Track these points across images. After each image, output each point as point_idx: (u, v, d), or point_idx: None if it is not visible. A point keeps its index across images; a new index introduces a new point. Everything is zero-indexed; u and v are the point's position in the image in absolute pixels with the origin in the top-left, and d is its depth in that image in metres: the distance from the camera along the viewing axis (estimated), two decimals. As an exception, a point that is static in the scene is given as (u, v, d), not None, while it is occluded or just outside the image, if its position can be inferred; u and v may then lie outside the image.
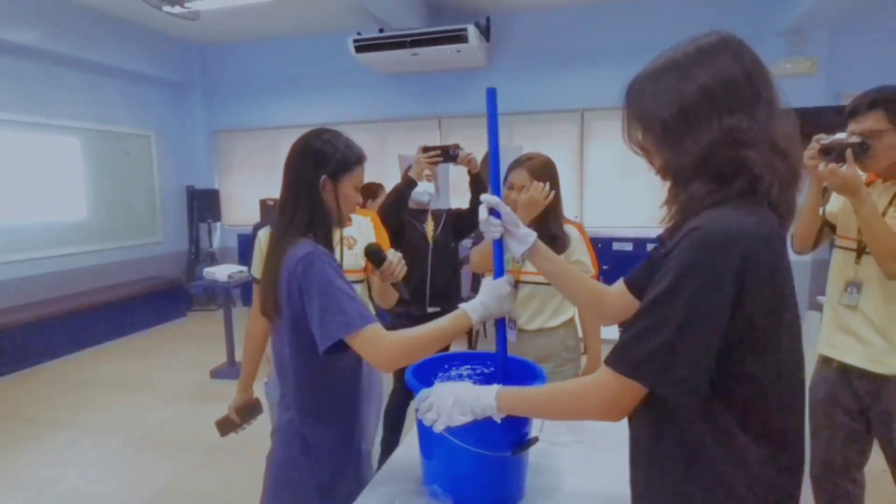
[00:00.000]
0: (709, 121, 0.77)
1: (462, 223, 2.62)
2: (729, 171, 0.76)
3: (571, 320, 1.96)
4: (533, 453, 1.23)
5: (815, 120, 4.55)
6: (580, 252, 1.87)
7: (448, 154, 2.29)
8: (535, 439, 1.09)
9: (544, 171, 1.83)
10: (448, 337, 1.14)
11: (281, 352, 1.26)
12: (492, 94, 1.14)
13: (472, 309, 1.13)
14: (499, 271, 1.16)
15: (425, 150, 2.33)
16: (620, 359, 0.77)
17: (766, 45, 4.70)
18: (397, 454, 1.37)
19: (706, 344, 0.73)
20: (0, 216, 4.66)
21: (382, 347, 1.09)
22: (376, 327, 1.11)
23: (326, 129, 1.28)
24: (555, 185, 1.83)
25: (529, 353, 1.78)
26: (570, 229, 1.88)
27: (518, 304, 1.88)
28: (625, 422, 0.95)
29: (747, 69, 0.78)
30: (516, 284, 1.88)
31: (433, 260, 2.53)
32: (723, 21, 4.82)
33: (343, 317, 1.09)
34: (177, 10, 4.33)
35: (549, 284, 1.74)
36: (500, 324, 1.17)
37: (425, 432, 1.10)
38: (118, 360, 4.73)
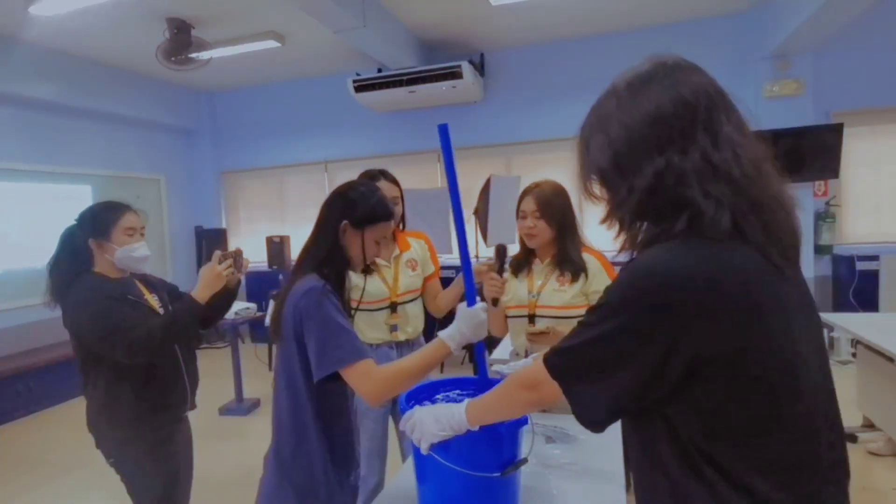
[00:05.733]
0: (639, 165, 0.73)
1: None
2: (670, 210, 0.72)
3: None
4: (525, 476, 1.27)
5: (808, 138, 4.67)
6: (600, 282, 1.76)
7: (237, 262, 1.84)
8: (524, 461, 1.13)
9: (552, 200, 1.80)
10: (429, 367, 1.22)
11: (281, 377, 1.28)
12: (444, 130, 1.18)
13: (449, 337, 1.20)
14: (471, 299, 1.22)
15: (224, 258, 1.80)
16: (552, 353, 0.81)
17: (753, 70, 4.83)
18: (394, 481, 1.41)
19: (611, 382, 0.71)
20: (14, 262, 4.81)
21: (372, 381, 1.17)
22: (369, 362, 1.18)
23: (367, 182, 1.42)
24: (566, 211, 1.81)
25: None
26: (589, 259, 1.80)
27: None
28: (619, 445, 1.00)
29: (681, 98, 0.72)
30: (533, 319, 1.84)
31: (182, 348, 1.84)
32: (709, 48, 4.99)
33: (339, 351, 1.16)
34: (194, 55, 4.56)
35: (566, 318, 1.75)
36: (479, 348, 1.24)
37: (419, 458, 1.14)
38: (129, 400, 4.77)
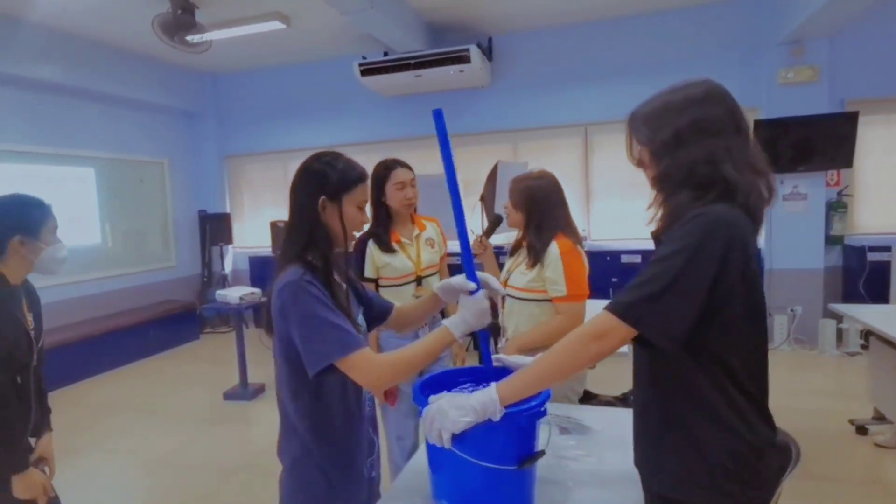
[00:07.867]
0: (695, 144, 0.98)
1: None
2: (707, 182, 0.97)
3: None
4: (541, 467, 1.24)
5: (821, 126, 4.59)
6: (552, 270, 1.87)
7: None
8: (542, 453, 1.10)
9: (522, 191, 1.95)
10: (432, 355, 1.17)
11: (278, 369, 1.26)
12: (438, 115, 1.14)
13: (453, 325, 1.17)
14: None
15: None
16: (615, 302, 0.95)
17: (767, 56, 4.74)
18: (408, 470, 1.39)
19: (691, 299, 0.90)
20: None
21: (371, 371, 1.12)
22: (362, 352, 1.12)
23: (327, 151, 1.28)
24: (536, 202, 1.93)
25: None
26: (552, 247, 1.90)
27: (505, 316, 2.01)
28: (630, 433, 1.06)
29: (728, 108, 1.00)
30: (502, 297, 1.98)
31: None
32: (724, 35, 4.89)
33: (324, 346, 1.11)
34: (194, 38, 4.48)
35: (528, 300, 1.94)
36: (483, 336, 1.22)
37: (433, 447, 1.12)
38: (133, 383, 4.79)
